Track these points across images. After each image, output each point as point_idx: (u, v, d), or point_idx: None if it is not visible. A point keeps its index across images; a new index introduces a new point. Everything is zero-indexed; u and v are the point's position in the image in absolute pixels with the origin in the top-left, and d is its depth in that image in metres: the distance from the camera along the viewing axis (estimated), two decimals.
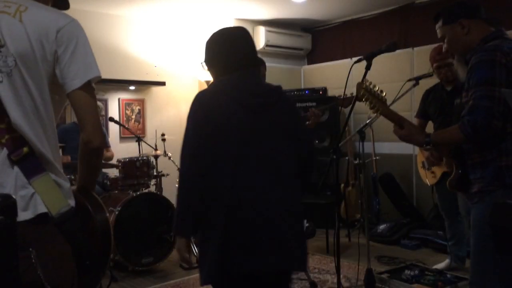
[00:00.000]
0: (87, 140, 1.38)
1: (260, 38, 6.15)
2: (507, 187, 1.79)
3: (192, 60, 6.02)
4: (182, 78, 6.02)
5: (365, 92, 1.98)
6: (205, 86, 5.92)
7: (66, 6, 1.58)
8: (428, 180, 3.71)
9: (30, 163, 1.30)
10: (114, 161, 4.53)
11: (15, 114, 1.28)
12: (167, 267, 4.04)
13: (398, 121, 1.99)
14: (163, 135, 4.63)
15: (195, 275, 3.83)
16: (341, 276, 3.44)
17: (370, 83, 2.00)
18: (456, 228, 3.63)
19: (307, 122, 3.73)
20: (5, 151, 1.30)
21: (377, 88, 2.00)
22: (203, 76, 5.87)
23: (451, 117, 3.33)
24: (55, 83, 1.37)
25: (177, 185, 4.47)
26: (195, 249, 4.25)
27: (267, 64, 4.14)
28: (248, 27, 6.12)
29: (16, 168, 1.29)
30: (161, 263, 3.96)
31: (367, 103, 1.99)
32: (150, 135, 5.28)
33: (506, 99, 1.71)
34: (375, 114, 2.04)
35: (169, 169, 4.62)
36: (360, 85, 1.98)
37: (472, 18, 1.95)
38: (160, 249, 3.94)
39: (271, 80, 4.23)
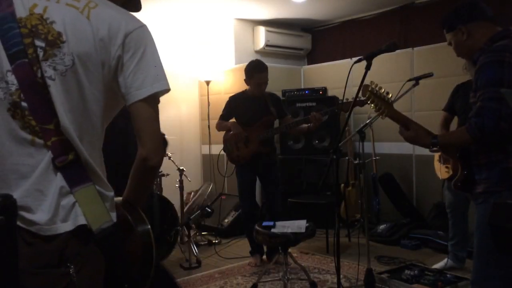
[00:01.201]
0: (145, 157, 1.25)
1: (260, 38, 6.16)
2: None
3: (192, 60, 6.03)
4: (182, 78, 6.03)
5: (371, 94, 1.96)
6: (205, 86, 5.92)
7: (137, 7, 1.48)
8: (441, 174, 3.72)
9: (75, 172, 1.19)
10: None
11: (64, 117, 1.18)
12: (167, 267, 4.04)
13: (404, 123, 1.98)
14: (163, 135, 4.63)
15: (195, 275, 3.83)
16: (341, 276, 3.44)
17: (376, 85, 1.99)
18: (459, 227, 3.62)
19: (309, 125, 3.77)
20: (49, 155, 1.18)
21: (382, 90, 1.99)
22: (203, 76, 5.88)
23: None
24: (112, 89, 1.26)
25: (177, 185, 4.47)
26: (195, 249, 4.25)
27: (267, 64, 4.17)
28: (248, 27, 6.18)
29: (59, 175, 1.18)
30: (161, 263, 3.95)
31: (373, 105, 1.98)
32: None
33: (506, 99, 1.71)
34: (381, 116, 2.03)
35: (169, 169, 4.62)
36: (366, 87, 1.97)
37: (470, 22, 1.94)
38: (160, 249, 3.94)
39: (271, 80, 4.27)
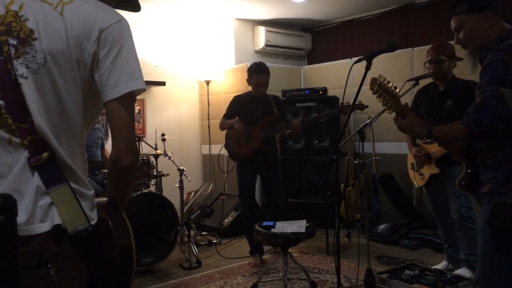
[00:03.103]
0: (116, 158, 1.23)
1: (260, 38, 6.16)
2: None
3: (192, 60, 6.03)
4: (182, 78, 6.03)
5: (379, 88, 1.90)
6: (205, 86, 5.92)
7: (135, 8, 1.43)
8: (416, 182, 3.67)
9: (50, 171, 1.17)
10: None
11: (38, 116, 1.15)
12: (167, 267, 4.05)
13: (403, 113, 1.94)
14: (163, 135, 4.64)
15: (195, 275, 3.83)
16: (341, 276, 3.44)
17: (385, 79, 1.94)
18: (449, 231, 3.59)
19: (288, 131, 4.02)
20: (26, 154, 1.16)
21: (390, 84, 1.94)
22: (203, 76, 5.88)
23: (441, 118, 3.30)
24: (91, 87, 1.23)
25: (177, 185, 4.51)
26: (195, 249, 4.25)
27: (267, 64, 4.20)
28: (248, 27, 6.19)
29: (36, 175, 1.16)
30: (161, 263, 3.95)
31: (380, 99, 1.92)
32: (150, 135, 5.29)
33: (506, 98, 1.70)
34: (388, 111, 1.98)
35: (169, 169, 4.63)
36: (374, 81, 1.91)
37: (498, 12, 1.88)
38: (160, 249, 3.94)
39: (271, 80, 4.27)
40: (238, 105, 4.17)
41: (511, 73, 1.71)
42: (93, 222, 1.22)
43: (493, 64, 1.76)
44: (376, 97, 1.93)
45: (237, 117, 4.13)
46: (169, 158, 4.51)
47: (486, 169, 1.85)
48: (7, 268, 1.06)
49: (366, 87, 2.36)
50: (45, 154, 1.17)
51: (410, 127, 1.92)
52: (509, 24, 1.92)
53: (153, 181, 4.46)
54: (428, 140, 1.98)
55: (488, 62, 1.78)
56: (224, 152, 4.35)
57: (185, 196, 4.83)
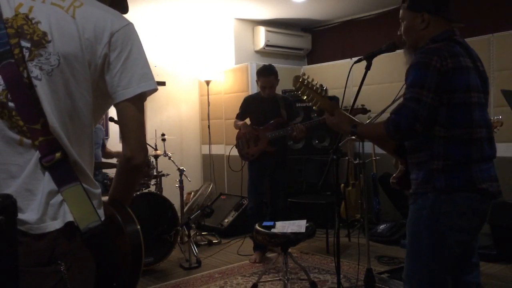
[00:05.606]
0: (130, 156, 1.26)
1: (260, 38, 6.16)
2: (437, 190, 1.78)
3: (192, 60, 6.03)
4: (182, 78, 6.03)
5: (301, 85, 1.99)
6: (205, 86, 5.92)
7: (124, 9, 1.48)
8: None
9: (62, 171, 1.19)
10: (114, 161, 4.53)
11: (52, 116, 1.17)
12: (167, 267, 4.05)
13: (331, 110, 2.00)
14: (163, 135, 4.64)
15: (195, 275, 3.83)
16: (341, 276, 3.44)
17: (308, 76, 2.01)
18: None
19: (294, 133, 4.04)
20: (37, 154, 1.18)
21: (315, 82, 2.02)
22: (203, 76, 5.88)
23: None
24: (100, 88, 1.26)
25: (177, 185, 4.53)
26: (195, 249, 4.25)
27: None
28: (248, 27, 6.19)
29: (47, 175, 1.18)
30: (161, 263, 3.95)
31: (304, 96, 2.01)
32: (150, 135, 5.28)
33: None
34: (314, 107, 2.04)
35: (169, 169, 4.62)
36: (296, 78, 1.99)
37: (436, 14, 1.91)
38: (160, 249, 3.94)
39: None
40: (248, 105, 4.35)
41: (429, 76, 1.75)
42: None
43: (414, 67, 1.81)
44: (299, 94, 2.01)
45: (244, 121, 4.32)
46: (169, 158, 4.51)
47: (413, 169, 1.90)
48: (7, 268, 1.06)
49: (366, 87, 2.38)
50: (58, 154, 1.19)
51: (337, 124, 1.99)
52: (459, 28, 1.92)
53: (153, 181, 4.46)
54: (353, 137, 2.04)
55: (411, 64, 1.83)
56: (232, 152, 4.53)
57: (185, 196, 4.83)
